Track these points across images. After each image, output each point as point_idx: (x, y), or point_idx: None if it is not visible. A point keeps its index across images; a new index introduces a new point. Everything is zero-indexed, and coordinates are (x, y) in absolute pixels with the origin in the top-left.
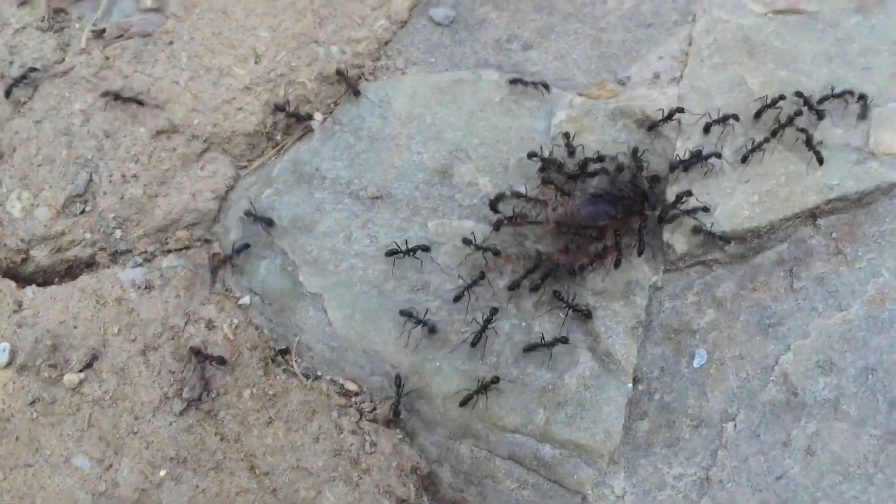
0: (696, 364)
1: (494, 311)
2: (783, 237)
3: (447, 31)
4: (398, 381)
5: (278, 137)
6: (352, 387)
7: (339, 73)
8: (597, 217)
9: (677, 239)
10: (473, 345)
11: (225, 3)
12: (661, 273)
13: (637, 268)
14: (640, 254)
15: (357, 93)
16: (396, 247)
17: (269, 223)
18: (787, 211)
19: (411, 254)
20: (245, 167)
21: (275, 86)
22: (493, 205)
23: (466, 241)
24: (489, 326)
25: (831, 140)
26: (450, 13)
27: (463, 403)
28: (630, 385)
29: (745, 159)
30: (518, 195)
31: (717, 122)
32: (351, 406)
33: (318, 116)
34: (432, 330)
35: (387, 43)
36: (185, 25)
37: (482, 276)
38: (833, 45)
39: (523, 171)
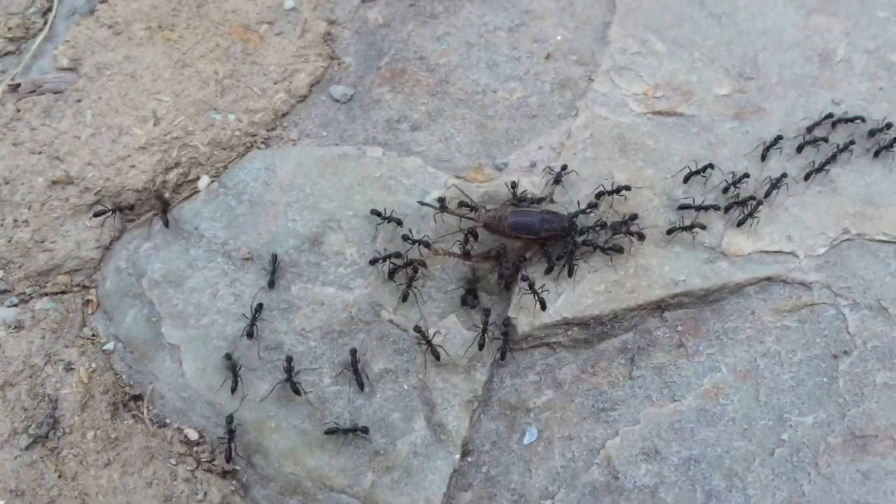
0: (526, 441)
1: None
2: (629, 326)
3: (343, 108)
4: (229, 422)
5: (166, 196)
6: (194, 436)
7: (158, 197)
8: (520, 229)
9: (520, 320)
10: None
11: (135, 67)
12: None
13: (480, 343)
14: (570, 275)
15: (167, 223)
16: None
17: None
18: (631, 302)
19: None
20: (132, 221)
21: (169, 147)
22: (441, 201)
23: (405, 238)
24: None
25: (686, 237)
26: (348, 91)
27: (328, 433)
28: (457, 456)
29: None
30: (462, 204)
31: (611, 192)
32: (190, 455)
33: (204, 179)
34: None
35: (284, 115)
36: (95, 85)
37: (417, 267)
38: (704, 148)
39: (389, 245)
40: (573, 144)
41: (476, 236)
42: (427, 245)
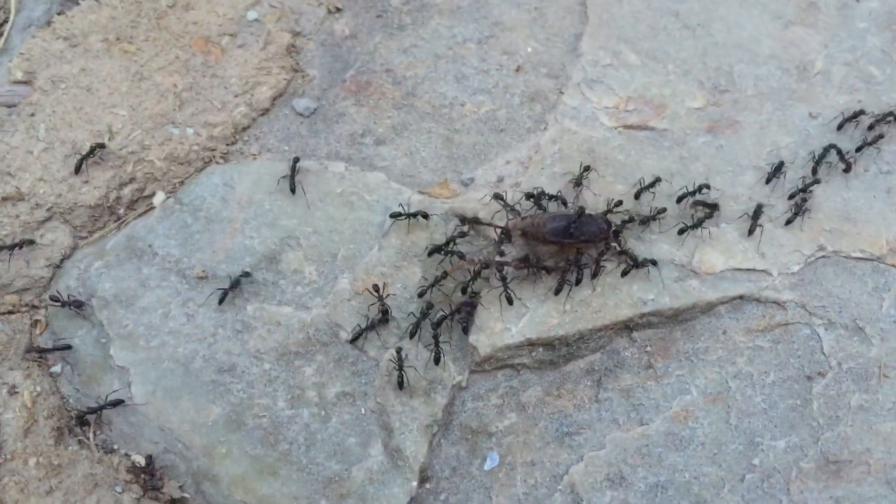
0: (486, 467)
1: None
2: (596, 347)
3: (306, 122)
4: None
5: (121, 212)
6: (142, 462)
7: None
8: (559, 234)
9: (481, 341)
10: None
11: (91, 80)
12: (468, 373)
13: (443, 366)
14: (593, 277)
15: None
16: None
17: (78, 305)
18: (597, 322)
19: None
20: (85, 238)
21: (124, 162)
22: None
23: (437, 248)
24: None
25: (656, 254)
26: (311, 105)
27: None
28: (415, 483)
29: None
30: (498, 196)
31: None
32: (137, 482)
33: (160, 195)
34: None
35: (245, 129)
36: (50, 99)
37: (444, 275)
38: (676, 163)
39: (349, 262)
40: (541, 159)
41: (510, 238)
42: (462, 256)
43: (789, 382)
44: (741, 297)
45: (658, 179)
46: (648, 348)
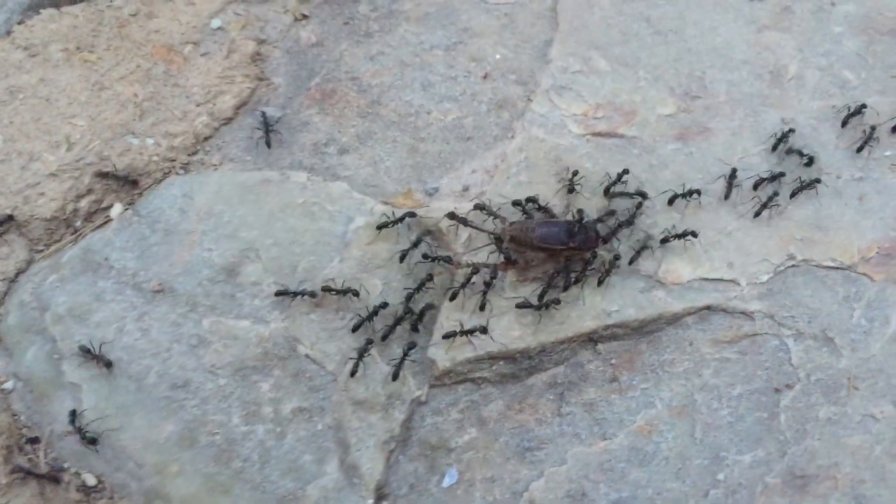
0: (445, 483)
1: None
2: (560, 360)
3: (270, 131)
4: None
5: (78, 224)
6: (92, 482)
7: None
8: (548, 240)
9: (440, 355)
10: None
11: (50, 90)
12: (427, 388)
13: (400, 379)
14: (576, 282)
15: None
16: None
17: (107, 364)
18: (560, 334)
19: None
20: (41, 251)
21: (82, 173)
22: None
23: (425, 256)
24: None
25: (622, 264)
26: (275, 114)
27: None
28: (371, 501)
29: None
30: (480, 207)
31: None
32: (87, 501)
33: (117, 207)
34: None
35: (207, 139)
36: (7, 110)
37: (430, 277)
38: (645, 170)
39: (310, 274)
40: (507, 168)
41: (501, 244)
42: (449, 260)
43: (756, 395)
44: (708, 308)
45: (626, 171)
46: (613, 361)
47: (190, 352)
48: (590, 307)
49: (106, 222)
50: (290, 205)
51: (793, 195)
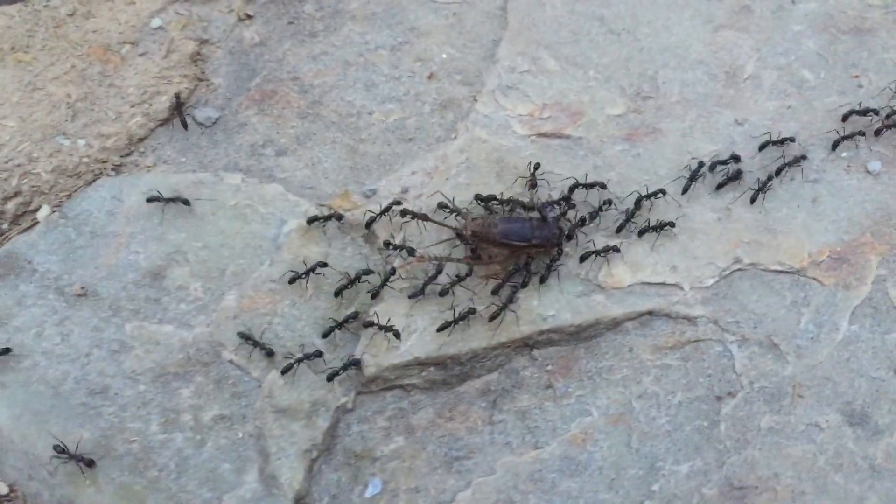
0: (368, 494)
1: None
2: (493, 366)
3: (207, 132)
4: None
5: (4, 227)
6: (4, 490)
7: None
8: (510, 236)
9: (366, 360)
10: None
11: None
12: (354, 394)
13: (326, 386)
14: (542, 281)
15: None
16: None
17: (89, 463)
18: (493, 340)
19: None
20: None
21: (9, 175)
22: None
23: (386, 244)
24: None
25: (563, 268)
26: (213, 115)
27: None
28: None
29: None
30: (443, 206)
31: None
32: None
33: (44, 209)
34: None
35: (141, 140)
36: None
37: (393, 271)
38: (590, 172)
39: (238, 278)
40: (447, 169)
41: (465, 240)
42: (411, 252)
43: (697, 403)
44: (650, 313)
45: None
46: (549, 367)
47: (110, 357)
48: (525, 311)
49: (32, 225)
50: (222, 207)
51: (777, 172)
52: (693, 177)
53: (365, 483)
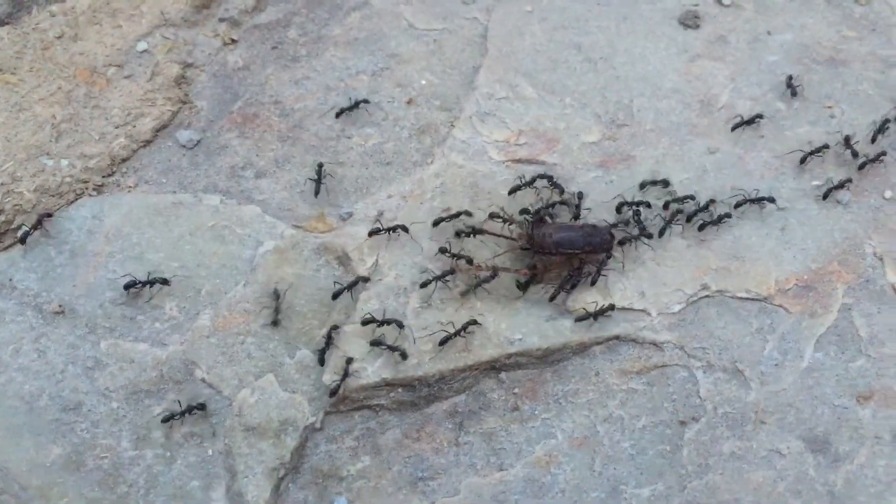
0: None
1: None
2: (461, 388)
3: (188, 154)
4: None
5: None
6: None
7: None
8: (565, 245)
9: (334, 381)
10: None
11: None
12: (322, 414)
13: (296, 406)
14: (592, 283)
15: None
16: None
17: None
18: (460, 362)
19: None
20: None
21: None
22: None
23: (442, 250)
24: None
25: (529, 293)
26: (195, 137)
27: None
28: None
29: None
30: (494, 216)
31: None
32: None
33: (25, 227)
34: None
35: (124, 160)
36: None
37: (451, 271)
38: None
39: (213, 298)
40: (422, 193)
41: (525, 249)
42: (470, 261)
43: (661, 427)
44: (617, 338)
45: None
46: (516, 390)
47: (85, 374)
48: (493, 334)
49: (14, 244)
50: (201, 227)
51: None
52: (670, 221)
53: (330, 501)
